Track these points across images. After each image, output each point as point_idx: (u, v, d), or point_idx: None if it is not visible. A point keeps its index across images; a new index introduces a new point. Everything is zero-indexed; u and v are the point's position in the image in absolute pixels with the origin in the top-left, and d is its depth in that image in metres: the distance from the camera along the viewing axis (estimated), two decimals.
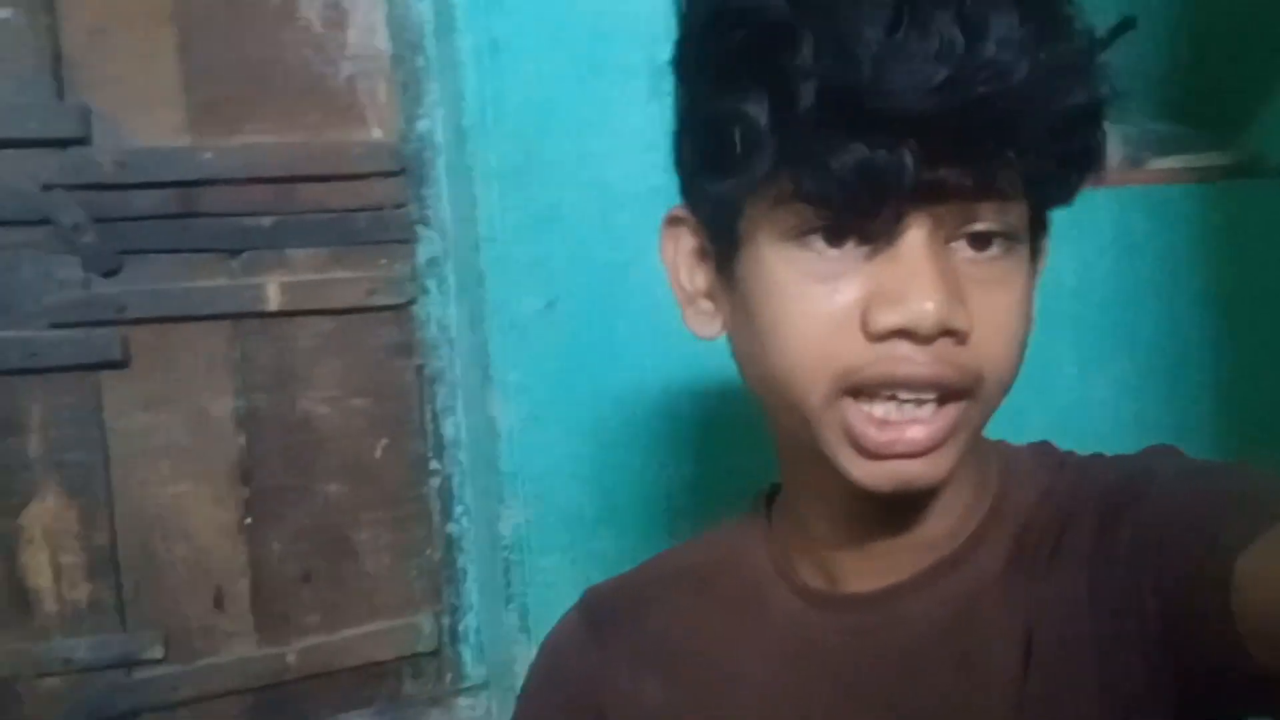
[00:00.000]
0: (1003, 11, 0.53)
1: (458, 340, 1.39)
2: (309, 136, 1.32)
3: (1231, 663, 0.52)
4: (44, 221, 1.21)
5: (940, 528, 0.67)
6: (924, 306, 0.56)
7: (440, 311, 1.39)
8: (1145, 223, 1.55)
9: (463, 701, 1.41)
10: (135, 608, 1.27)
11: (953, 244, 0.59)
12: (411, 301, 1.38)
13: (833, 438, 0.60)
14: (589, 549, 1.31)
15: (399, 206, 1.36)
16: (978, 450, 0.67)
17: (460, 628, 1.41)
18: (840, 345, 0.58)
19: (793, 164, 0.56)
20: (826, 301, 0.58)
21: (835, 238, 0.58)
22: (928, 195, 0.56)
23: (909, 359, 0.57)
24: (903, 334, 0.57)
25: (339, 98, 1.34)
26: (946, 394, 0.59)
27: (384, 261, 1.36)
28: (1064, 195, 0.62)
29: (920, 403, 0.59)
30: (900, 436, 0.58)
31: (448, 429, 1.40)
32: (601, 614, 0.78)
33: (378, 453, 1.37)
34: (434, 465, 1.40)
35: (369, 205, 1.34)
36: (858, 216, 0.57)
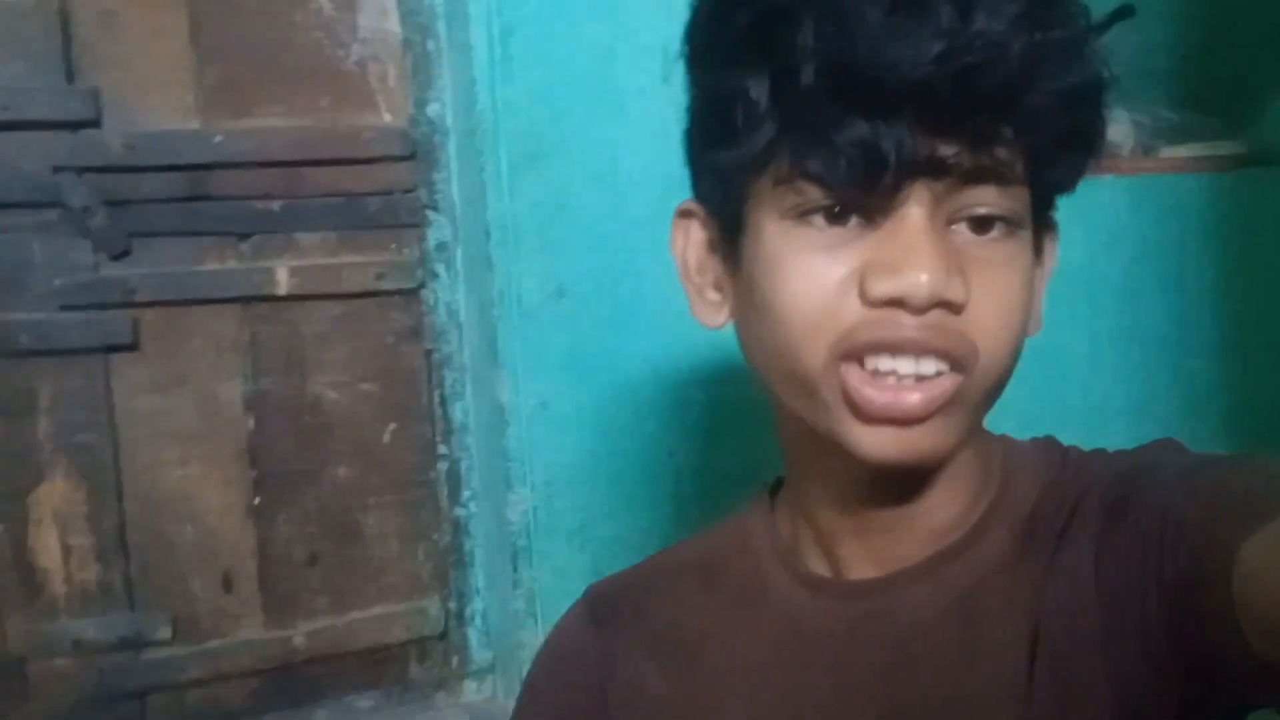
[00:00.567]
0: None
1: (466, 325, 1.39)
2: (319, 120, 1.33)
3: (1234, 655, 0.52)
4: (54, 204, 1.22)
5: (943, 516, 0.67)
6: (919, 278, 0.57)
7: (449, 296, 1.39)
8: (1157, 211, 1.55)
9: (469, 685, 1.42)
10: (144, 589, 1.27)
11: (954, 226, 0.60)
12: (421, 286, 1.38)
13: (833, 401, 0.61)
14: (596, 534, 1.31)
15: (409, 191, 1.36)
16: (980, 441, 0.68)
17: (467, 612, 1.42)
18: (838, 309, 0.59)
19: (794, 139, 0.58)
20: (826, 270, 0.60)
21: (836, 218, 0.60)
22: (926, 171, 0.57)
23: (903, 323, 0.58)
24: (898, 303, 0.58)
25: (349, 81, 1.34)
26: (942, 365, 0.60)
27: (393, 246, 1.36)
28: (1065, 180, 0.63)
29: (919, 379, 0.59)
30: (897, 399, 0.59)
31: (456, 414, 1.40)
32: (604, 606, 0.79)
33: (386, 437, 1.38)
34: (442, 450, 1.40)
35: (379, 189, 1.35)
36: (858, 191, 0.58)
